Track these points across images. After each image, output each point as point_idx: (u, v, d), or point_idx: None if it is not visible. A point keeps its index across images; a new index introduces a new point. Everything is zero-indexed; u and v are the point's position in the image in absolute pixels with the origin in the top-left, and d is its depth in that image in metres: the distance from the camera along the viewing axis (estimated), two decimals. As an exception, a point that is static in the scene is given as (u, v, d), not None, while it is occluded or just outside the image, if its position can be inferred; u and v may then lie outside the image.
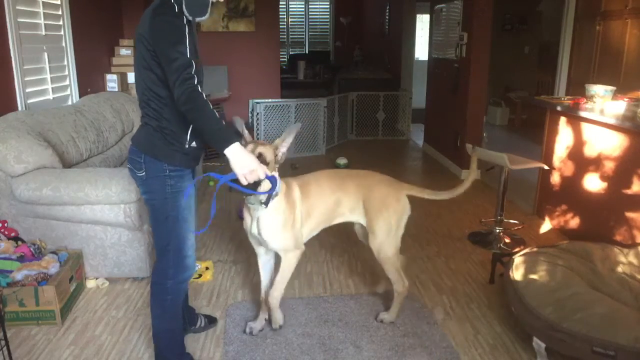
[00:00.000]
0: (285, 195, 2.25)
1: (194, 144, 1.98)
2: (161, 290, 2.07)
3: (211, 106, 1.77)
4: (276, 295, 2.39)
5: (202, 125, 1.77)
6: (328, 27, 10.15)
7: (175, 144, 1.94)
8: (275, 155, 2.09)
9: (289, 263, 2.33)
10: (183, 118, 1.86)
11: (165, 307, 2.09)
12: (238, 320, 2.60)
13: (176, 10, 1.79)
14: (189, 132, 1.95)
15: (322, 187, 2.42)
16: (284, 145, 2.09)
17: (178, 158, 1.95)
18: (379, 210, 2.41)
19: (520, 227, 3.76)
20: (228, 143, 1.76)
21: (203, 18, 1.85)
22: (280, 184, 2.18)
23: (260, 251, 2.45)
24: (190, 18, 1.82)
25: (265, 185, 2.02)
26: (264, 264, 2.49)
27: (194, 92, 1.73)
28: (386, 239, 2.42)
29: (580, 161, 3.50)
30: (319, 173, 2.50)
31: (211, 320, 2.55)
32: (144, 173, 1.96)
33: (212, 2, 1.87)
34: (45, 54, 3.66)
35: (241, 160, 1.80)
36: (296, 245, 2.32)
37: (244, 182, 1.83)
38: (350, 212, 2.48)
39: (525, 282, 2.35)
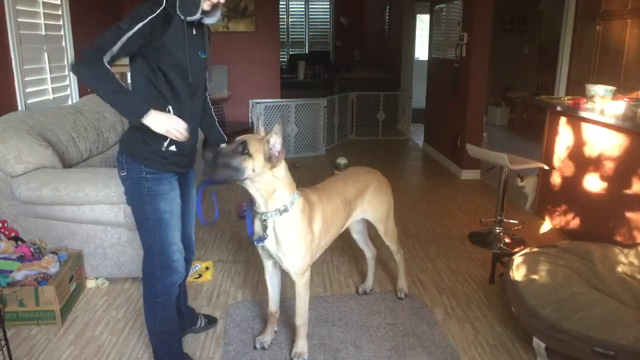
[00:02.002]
0: (303, 211, 2.09)
1: (172, 148, 1.92)
2: (151, 292, 2.06)
3: (114, 79, 1.69)
4: (300, 323, 2.25)
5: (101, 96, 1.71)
6: (328, 27, 10.16)
7: (152, 145, 1.89)
8: (267, 150, 1.91)
9: (305, 287, 2.20)
10: None
11: (156, 310, 2.08)
12: (238, 320, 2.60)
13: (162, 4, 1.77)
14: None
15: (334, 200, 2.32)
16: (273, 138, 1.91)
17: (153, 160, 1.91)
18: (380, 203, 2.59)
19: (520, 227, 3.75)
20: (139, 114, 1.73)
21: (195, 17, 1.84)
22: (298, 197, 2.09)
23: (268, 265, 2.32)
24: (182, 17, 1.82)
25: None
26: (272, 277, 2.36)
27: (84, 63, 1.67)
28: (390, 222, 2.68)
29: (581, 161, 3.50)
30: (326, 186, 2.39)
31: (211, 320, 2.55)
32: (125, 173, 1.95)
33: (215, 3, 1.86)
34: (45, 54, 3.66)
35: (159, 122, 1.77)
36: (308, 266, 2.18)
37: (177, 138, 1.79)
38: (355, 214, 2.51)
39: (525, 282, 2.35)
